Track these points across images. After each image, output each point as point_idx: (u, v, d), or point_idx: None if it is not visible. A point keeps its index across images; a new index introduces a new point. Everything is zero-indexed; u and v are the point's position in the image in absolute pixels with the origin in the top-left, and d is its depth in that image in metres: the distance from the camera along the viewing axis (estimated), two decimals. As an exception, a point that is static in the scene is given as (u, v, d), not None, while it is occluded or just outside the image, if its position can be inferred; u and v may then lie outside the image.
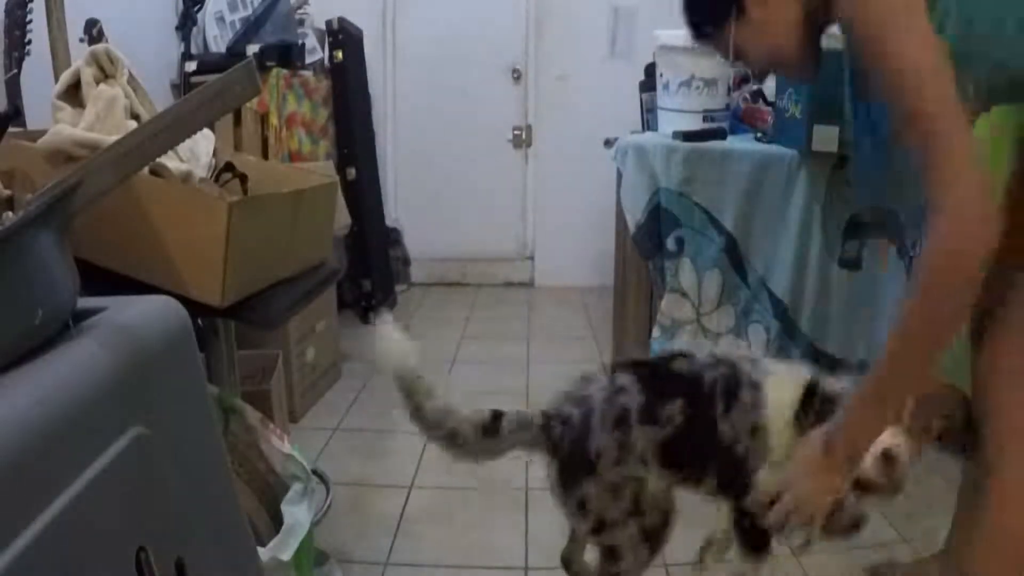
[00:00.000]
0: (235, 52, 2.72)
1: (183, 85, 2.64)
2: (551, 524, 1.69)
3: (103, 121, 1.17)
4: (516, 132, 3.96)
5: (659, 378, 1.16)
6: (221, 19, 2.85)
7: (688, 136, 1.97)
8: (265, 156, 2.61)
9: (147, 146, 0.72)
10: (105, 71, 1.25)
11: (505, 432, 1.19)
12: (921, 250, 0.96)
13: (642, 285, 2.07)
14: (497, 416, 1.19)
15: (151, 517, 0.59)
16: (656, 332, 1.96)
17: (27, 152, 1.10)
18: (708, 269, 1.94)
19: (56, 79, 1.29)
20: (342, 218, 2.76)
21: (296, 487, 1.12)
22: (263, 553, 0.94)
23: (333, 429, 2.20)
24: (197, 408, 0.73)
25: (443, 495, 1.83)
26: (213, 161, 1.41)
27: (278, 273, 1.29)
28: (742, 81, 2.45)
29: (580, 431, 1.14)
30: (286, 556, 0.99)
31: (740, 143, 2.05)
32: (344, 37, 3.15)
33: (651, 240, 1.94)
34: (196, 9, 2.77)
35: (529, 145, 3.97)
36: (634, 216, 1.96)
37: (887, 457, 1.06)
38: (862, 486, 1.08)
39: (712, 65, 2.06)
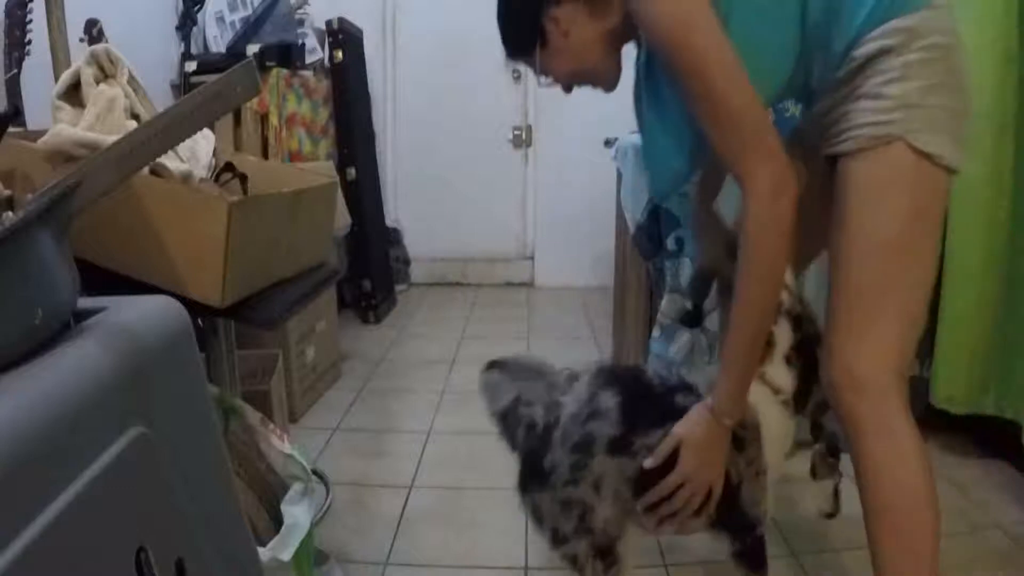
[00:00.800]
0: (235, 52, 2.73)
1: (183, 85, 2.64)
2: None
3: (103, 121, 1.17)
4: (516, 132, 3.96)
5: (644, 406, 1.13)
6: (221, 19, 2.85)
7: (688, 136, 1.97)
8: (265, 156, 2.61)
9: (147, 146, 0.72)
10: (105, 71, 1.25)
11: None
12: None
13: (642, 285, 2.07)
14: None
15: (151, 517, 0.59)
16: (656, 332, 1.96)
17: (27, 152, 1.09)
18: (708, 269, 1.94)
19: (56, 79, 1.28)
20: (342, 218, 2.76)
21: (296, 487, 1.12)
22: (263, 553, 0.94)
23: (333, 429, 2.20)
24: (197, 408, 0.73)
25: (443, 495, 1.83)
26: (213, 161, 1.41)
27: (278, 273, 1.29)
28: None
29: (539, 442, 1.12)
30: (286, 556, 0.99)
31: (740, 143, 2.05)
32: (344, 37, 3.15)
33: (651, 240, 1.93)
34: (196, 9, 2.77)
35: (529, 145, 3.97)
36: (634, 216, 1.96)
37: (788, 360, 1.17)
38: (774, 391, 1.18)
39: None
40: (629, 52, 1.22)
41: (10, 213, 0.70)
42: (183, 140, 0.77)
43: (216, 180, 1.35)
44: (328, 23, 3.14)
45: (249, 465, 1.18)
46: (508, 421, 1.17)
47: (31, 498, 0.46)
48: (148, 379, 0.63)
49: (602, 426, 1.10)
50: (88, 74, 1.21)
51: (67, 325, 0.61)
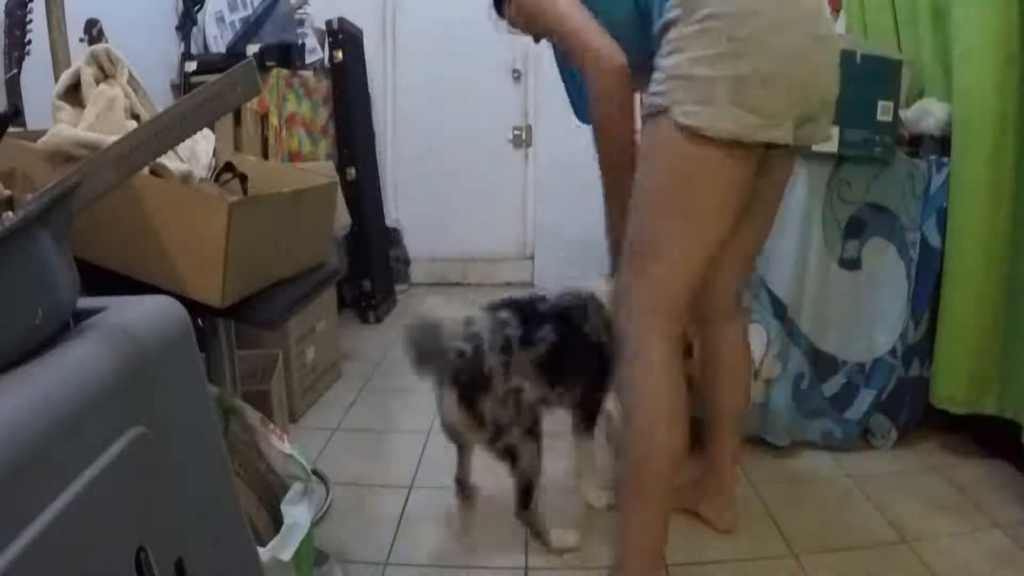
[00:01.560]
0: (235, 52, 2.72)
1: (183, 85, 2.64)
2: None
3: (103, 121, 1.17)
4: (516, 132, 3.96)
5: (530, 312, 1.52)
6: (221, 19, 2.85)
7: (688, 136, 1.97)
8: (265, 156, 2.61)
9: (147, 146, 0.72)
10: (105, 71, 1.25)
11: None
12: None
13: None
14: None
15: (151, 517, 0.59)
16: (656, 332, 1.96)
17: (27, 152, 1.09)
18: (708, 269, 1.94)
19: (56, 79, 1.28)
20: (342, 218, 2.76)
21: (296, 487, 1.12)
22: (263, 553, 0.94)
23: (333, 429, 2.20)
24: (197, 408, 0.73)
25: (443, 495, 1.83)
26: (213, 161, 1.41)
27: (278, 273, 1.29)
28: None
29: (475, 359, 1.41)
30: (286, 556, 0.99)
31: (740, 143, 2.05)
32: (344, 37, 3.15)
33: (651, 240, 1.94)
34: (196, 9, 2.77)
35: (529, 145, 3.96)
36: (634, 216, 1.96)
37: None
38: None
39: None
40: None
41: (10, 213, 0.70)
42: (183, 140, 0.77)
43: (216, 180, 1.35)
44: (328, 23, 3.14)
45: (249, 465, 1.18)
46: (436, 360, 1.42)
47: (31, 498, 0.46)
48: (148, 379, 0.63)
49: (510, 330, 1.46)
50: (88, 74, 1.21)
51: (67, 325, 0.61)
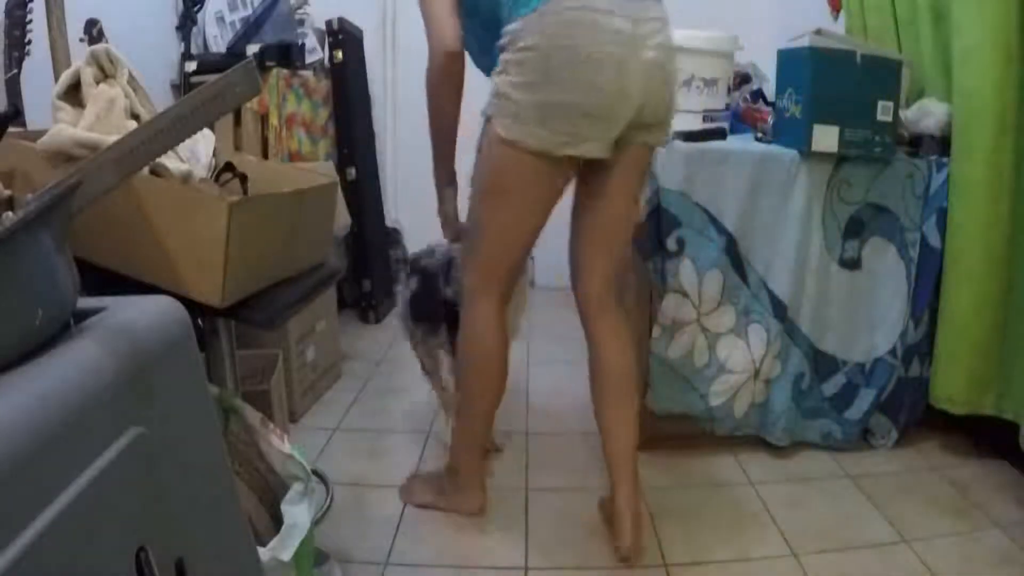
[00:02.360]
0: (235, 52, 2.72)
1: (183, 85, 2.64)
2: (551, 524, 1.69)
3: (103, 121, 1.17)
4: (516, 132, 3.95)
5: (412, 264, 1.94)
6: (221, 19, 2.85)
7: (688, 136, 1.96)
8: (265, 156, 2.61)
9: (147, 146, 0.72)
10: (105, 71, 1.25)
11: None
12: None
13: (642, 285, 2.06)
14: None
15: (151, 517, 0.59)
16: (656, 332, 1.96)
17: (27, 152, 1.09)
18: (708, 269, 1.93)
19: (56, 79, 1.28)
20: (342, 218, 2.76)
21: (296, 487, 1.12)
22: (263, 553, 0.94)
23: (333, 429, 2.20)
24: (197, 408, 0.73)
25: (443, 495, 1.83)
26: (213, 161, 1.41)
27: (278, 273, 1.29)
28: (742, 81, 2.45)
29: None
30: (286, 556, 0.99)
31: (740, 143, 2.04)
32: (344, 37, 3.15)
33: (651, 240, 1.93)
34: (196, 9, 2.77)
35: (529, 145, 3.96)
36: (634, 216, 1.96)
37: None
38: None
39: (712, 65, 2.06)
40: None
41: (10, 213, 0.70)
42: (183, 140, 0.77)
43: (216, 180, 1.35)
44: (328, 23, 3.13)
45: (249, 465, 1.18)
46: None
47: (31, 498, 0.46)
48: (148, 379, 0.63)
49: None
50: (88, 74, 1.21)
51: (67, 325, 0.61)
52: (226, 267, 1.08)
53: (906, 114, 2.05)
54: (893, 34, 2.27)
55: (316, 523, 1.24)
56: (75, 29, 1.78)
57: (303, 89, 2.86)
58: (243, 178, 1.34)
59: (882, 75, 1.90)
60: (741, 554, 1.58)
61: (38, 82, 1.59)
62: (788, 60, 1.99)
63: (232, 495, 0.78)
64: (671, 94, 1.46)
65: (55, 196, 0.60)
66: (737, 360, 2.00)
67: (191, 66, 2.65)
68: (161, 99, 2.17)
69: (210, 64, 2.64)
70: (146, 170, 1.09)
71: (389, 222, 3.79)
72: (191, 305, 0.83)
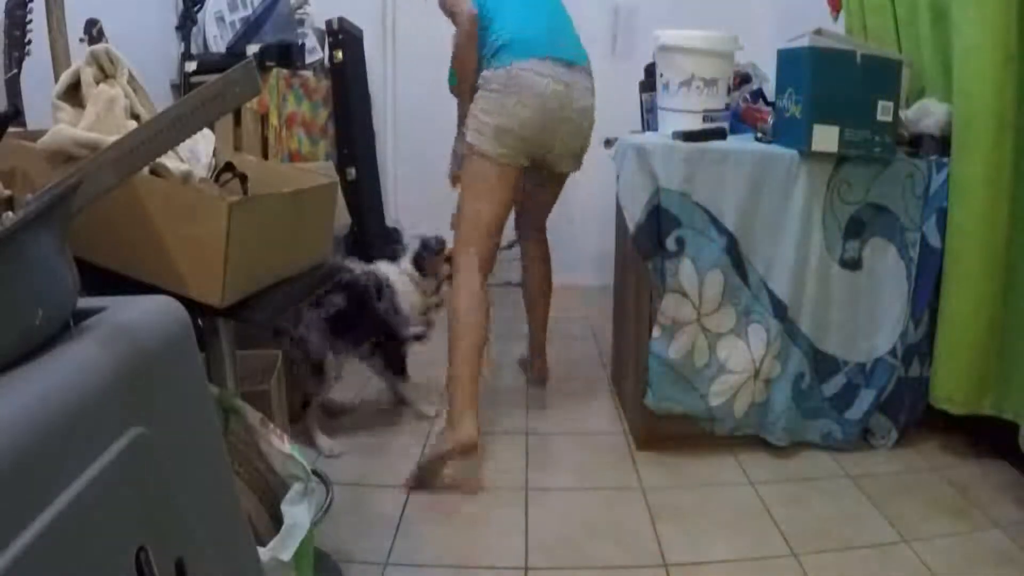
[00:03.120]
0: (235, 52, 2.72)
1: (183, 85, 2.64)
2: (551, 524, 1.69)
3: (103, 121, 1.17)
4: (516, 132, 3.95)
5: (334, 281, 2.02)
6: (221, 19, 2.85)
7: (688, 136, 1.96)
8: (265, 156, 2.61)
9: (147, 146, 0.72)
10: (105, 71, 1.25)
11: None
12: None
13: (642, 285, 2.06)
14: None
15: (151, 517, 0.59)
16: (656, 332, 1.96)
17: (27, 152, 1.09)
18: (709, 269, 1.93)
19: (56, 79, 1.28)
20: (342, 218, 2.76)
21: (296, 487, 1.12)
22: (263, 553, 0.94)
23: (333, 429, 2.20)
24: (197, 408, 0.73)
25: (443, 495, 1.83)
26: (213, 161, 1.41)
27: (278, 273, 1.29)
28: (742, 81, 2.45)
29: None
30: (286, 556, 0.99)
31: (740, 143, 2.04)
32: (344, 37, 3.15)
33: (651, 240, 1.93)
34: (196, 9, 2.77)
35: (529, 145, 3.96)
36: (633, 216, 1.96)
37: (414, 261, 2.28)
38: None
39: (712, 65, 2.06)
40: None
41: (10, 213, 0.70)
42: (183, 140, 0.77)
43: (216, 180, 1.35)
44: (328, 23, 3.13)
45: (249, 465, 1.18)
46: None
47: (31, 498, 0.46)
48: (148, 379, 0.63)
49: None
50: (88, 74, 1.21)
51: (67, 325, 0.61)
52: (226, 267, 1.08)
53: (906, 114, 2.05)
54: (893, 34, 2.27)
55: (316, 523, 1.24)
56: (75, 29, 1.78)
57: (303, 89, 2.86)
58: (243, 178, 1.34)
59: (882, 75, 1.90)
60: (741, 554, 1.58)
61: (38, 82, 1.59)
62: (788, 60, 1.99)
63: (232, 495, 0.78)
64: (581, 145, 2.18)
65: (55, 196, 0.60)
66: (737, 360, 2.00)
67: (191, 66, 2.65)
68: (161, 99, 2.16)
69: (210, 64, 2.64)
70: (146, 170, 1.09)
71: (389, 222, 3.79)
72: (191, 305, 0.83)
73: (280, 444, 1.16)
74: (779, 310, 1.98)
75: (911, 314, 2.00)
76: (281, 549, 0.99)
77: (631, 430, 2.18)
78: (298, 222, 1.33)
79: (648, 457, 2.03)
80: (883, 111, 1.89)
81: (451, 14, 2.08)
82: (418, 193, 3.96)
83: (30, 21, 1.68)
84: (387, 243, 3.60)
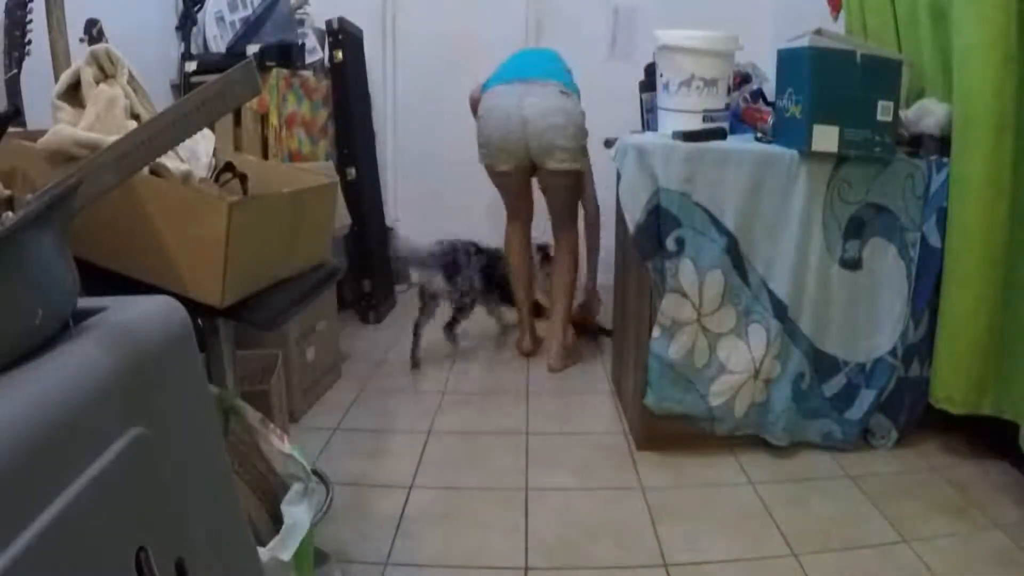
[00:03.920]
0: (235, 52, 2.72)
1: (183, 85, 2.64)
2: (551, 524, 1.69)
3: (103, 121, 1.17)
4: (516, 132, 3.95)
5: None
6: (221, 19, 2.85)
7: (688, 136, 1.96)
8: (265, 156, 2.61)
9: (147, 146, 0.72)
10: (105, 71, 1.25)
11: None
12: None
13: (642, 285, 2.06)
14: None
15: (151, 517, 0.59)
16: (656, 332, 1.96)
17: (27, 152, 1.09)
18: (709, 269, 1.93)
19: (56, 79, 1.28)
20: (342, 218, 2.76)
21: (296, 487, 1.12)
22: (263, 553, 0.94)
23: (333, 429, 2.20)
24: (197, 408, 0.73)
25: (443, 495, 1.83)
26: (213, 161, 1.41)
27: (278, 273, 1.29)
28: (742, 81, 2.45)
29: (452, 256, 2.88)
30: (286, 556, 0.99)
31: (740, 143, 2.04)
32: (344, 37, 3.15)
33: (651, 240, 1.93)
34: (196, 9, 2.77)
35: (529, 145, 3.96)
36: (634, 216, 1.96)
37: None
38: None
39: (712, 65, 2.06)
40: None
41: (10, 213, 0.70)
42: (183, 140, 0.78)
43: (216, 180, 1.35)
44: (328, 23, 3.14)
45: (249, 465, 1.18)
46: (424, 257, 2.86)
47: (31, 498, 0.46)
48: (148, 379, 0.63)
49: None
50: (88, 74, 1.21)
51: (67, 325, 0.61)
52: (226, 267, 1.08)
53: (906, 114, 2.05)
54: (893, 34, 2.27)
55: (316, 523, 1.24)
56: (75, 29, 1.78)
57: (303, 89, 2.86)
58: (243, 178, 1.34)
59: (882, 75, 1.90)
60: (741, 554, 1.58)
61: (38, 82, 1.59)
62: (788, 60, 1.99)
63: (232, 495, 0.78)
64: (551, 141, 2.55)
65: (55, 196, 0.60)
66: (737, 360, 2.00)
67: (191, 66, 2.65)
68: (161, 99, 2.17)
69: (210, 64, 2.64)
70: (146, 170, 1.09)
71: (389, 222, 3.79)
72: (191, 305, 0.83)
73: (280, 444, 1.16)
74: (779, 310, 1.98)
75: (911, 314, 2.00)
76: (281, 549, 0.99)
77: (631, 430, 2.18)
78: (298, 222, 1.33)
79: (648, 457, 2.03)
80: (883, 111, 1.89)
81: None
82: (418, 193, 3.96)
83: (30, 21, 1.68)
84: (387, 243, 3.62)
